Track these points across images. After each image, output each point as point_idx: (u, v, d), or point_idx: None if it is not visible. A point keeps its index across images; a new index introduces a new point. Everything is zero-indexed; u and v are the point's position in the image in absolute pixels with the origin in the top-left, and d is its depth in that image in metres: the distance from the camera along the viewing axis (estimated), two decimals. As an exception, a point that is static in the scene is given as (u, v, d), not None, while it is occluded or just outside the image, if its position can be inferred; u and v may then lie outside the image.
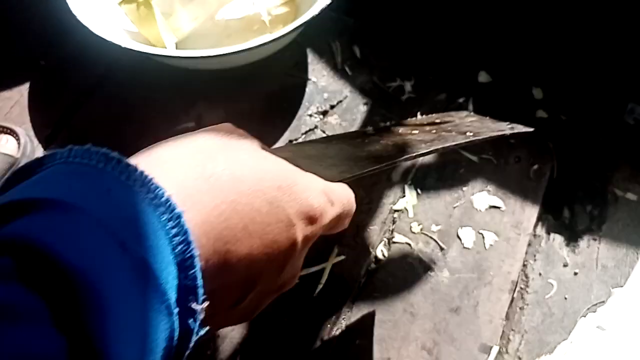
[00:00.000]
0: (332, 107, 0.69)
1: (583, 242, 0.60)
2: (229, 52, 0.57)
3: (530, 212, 0.61)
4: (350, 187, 0.37)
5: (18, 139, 0.65)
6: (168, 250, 0.23)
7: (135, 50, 0.58)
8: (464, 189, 0.63)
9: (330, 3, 0.60)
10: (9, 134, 0.65)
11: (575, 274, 0.57)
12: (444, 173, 0.64)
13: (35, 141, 0.67)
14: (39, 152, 0.68)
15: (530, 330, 0.54)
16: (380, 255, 0.58)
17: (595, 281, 0.57)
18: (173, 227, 0.24)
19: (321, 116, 0.68)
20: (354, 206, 0.37)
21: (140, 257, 0.22)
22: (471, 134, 0.45)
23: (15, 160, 0.64)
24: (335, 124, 0.68)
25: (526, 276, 0.57)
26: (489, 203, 0.61)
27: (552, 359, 0.52)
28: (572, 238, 0.60)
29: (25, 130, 0.68)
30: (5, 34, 0.74)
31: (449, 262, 0.57)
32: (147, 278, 0.22)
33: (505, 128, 0.48)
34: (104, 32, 0.59)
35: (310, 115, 0.68)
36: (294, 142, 0.66)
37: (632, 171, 0.64)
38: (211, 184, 0.27)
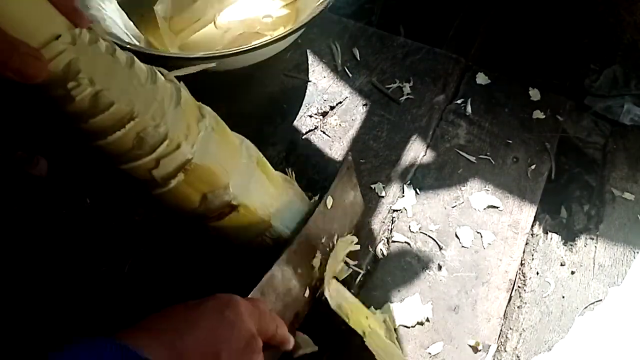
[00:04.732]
0: (332, 108, 0.70)
1: (580, 242, 0.60)
2: (230, 53, 0.57)
3: (528, 212, 0.61)
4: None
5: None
6: None
7: (138, 52, 0.59)
8: (462, 188, 0.63)
9: (330, 5, 0.61)
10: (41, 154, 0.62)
11: (573, 273, 0.58)
12: (443, 173, 0.64)
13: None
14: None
15: (528, 329, 0.54)
16: (379, 254, 0.59)
17: (592, 280, 0.57)
18: None
19: (321, 117, 0.69)
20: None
21: None
22: None
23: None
24: (335, 125, 0.68)
25: (524, 275, 0.58)
26: (487, 203, 0.62)
27: (550, 357, 0.53)
28: (569, 237, 0.61)
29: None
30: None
31: (447, 261, 0.58)
32: None
33: None
34: (106, 35, 0.60)
35: (311, 116, 0.69)
36: (294, 142, 0.66)
37: (629, 171, 0.65)
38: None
